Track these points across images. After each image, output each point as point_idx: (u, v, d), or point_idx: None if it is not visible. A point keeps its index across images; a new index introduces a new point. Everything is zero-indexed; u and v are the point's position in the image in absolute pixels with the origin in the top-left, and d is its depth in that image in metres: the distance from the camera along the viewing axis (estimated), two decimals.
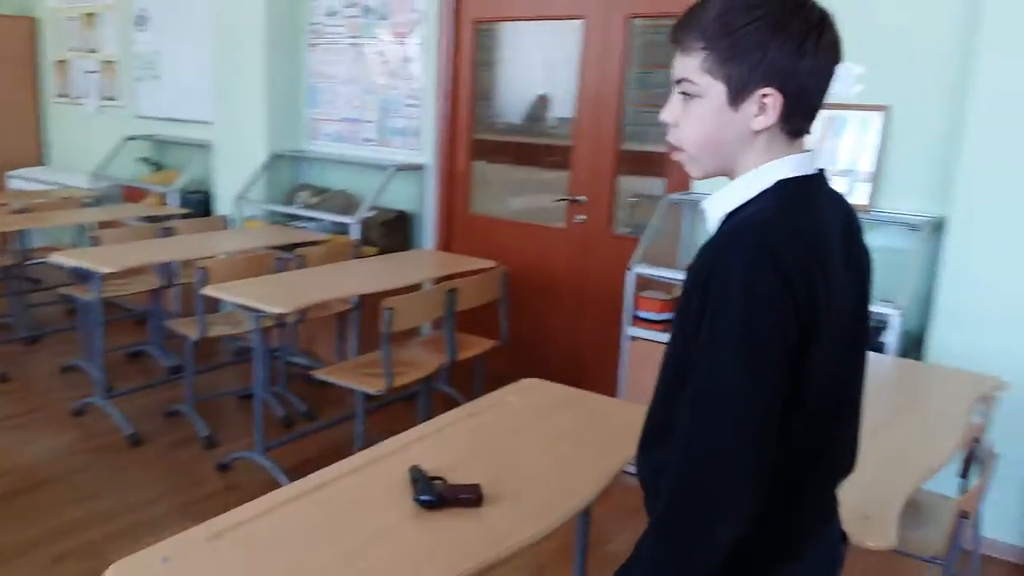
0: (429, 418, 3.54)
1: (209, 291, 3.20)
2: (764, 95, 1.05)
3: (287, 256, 3.82)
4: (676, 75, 1.12)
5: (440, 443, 1.88)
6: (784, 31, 1.03)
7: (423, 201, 4.62)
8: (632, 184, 4.00)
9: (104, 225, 4.61)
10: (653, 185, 3.90)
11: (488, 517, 1.54)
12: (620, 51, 3.87)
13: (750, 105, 1.06)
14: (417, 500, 1.54)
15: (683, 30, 1.10)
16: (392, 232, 4.57)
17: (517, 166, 4.50)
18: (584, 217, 4.09)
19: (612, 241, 4.01)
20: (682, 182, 3.67)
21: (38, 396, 4.10)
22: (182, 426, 3.77)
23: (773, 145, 1.09)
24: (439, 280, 3.61)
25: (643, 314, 3.34)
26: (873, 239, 3.10)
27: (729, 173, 1.13)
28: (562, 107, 4.21)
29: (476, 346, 3.53)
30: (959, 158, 2.81)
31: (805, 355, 1.01)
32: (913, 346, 2.98)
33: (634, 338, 3.35)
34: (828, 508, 1.22)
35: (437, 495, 1.55)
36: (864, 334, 1.20)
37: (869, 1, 3.09)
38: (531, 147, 4.40)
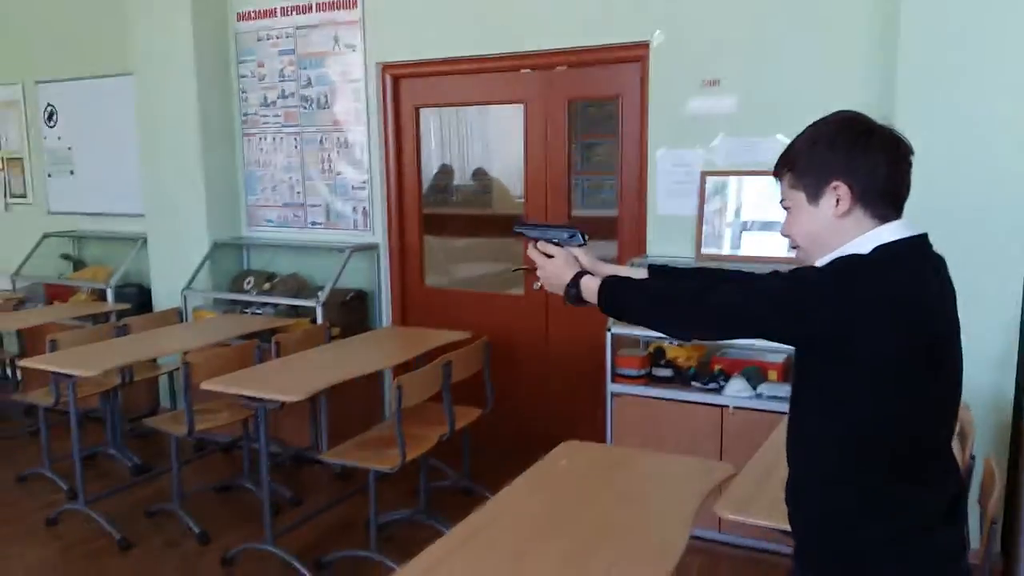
0: (429, 490, 3.75)
1: (210, 385, 3.23)
2: (835, 189, 1.39)
3: (265, 344, 3.88)
4: (779, 197, 1.50)
5: (522, 517, 2.05)
6: (833, 141, 1.41)
7: (378, 278, 4.77)
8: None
9: (48, 328, 4.48)
10: (607, 248, 4.24)
11: None
12: (563, 129, 4.22)
13: (827, 199, 1.40)
14: None
15: (778, 165, 1.49)
16: (351, 311, 4.68)
17: (470, 238, 4.75)
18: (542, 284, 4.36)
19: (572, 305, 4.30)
20: (635, 245, 4.03)
21: (3, 508, 3.92)
22: (168, 525, 3.72)
23: (859, 224, 1.40)
24: (424, 355, 3.78)
25: (624, 371, 3.63)
26: None
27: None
28: (511, 180, 4.51)
29: (465, 416, 3.70)
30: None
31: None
32: None
33: (616, 394, 3.62)
34: None
35: None
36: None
37: (791, 76, 3.57)
38: (482, 218, 4.67)
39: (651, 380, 3.64)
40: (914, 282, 1.34)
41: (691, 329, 1.57)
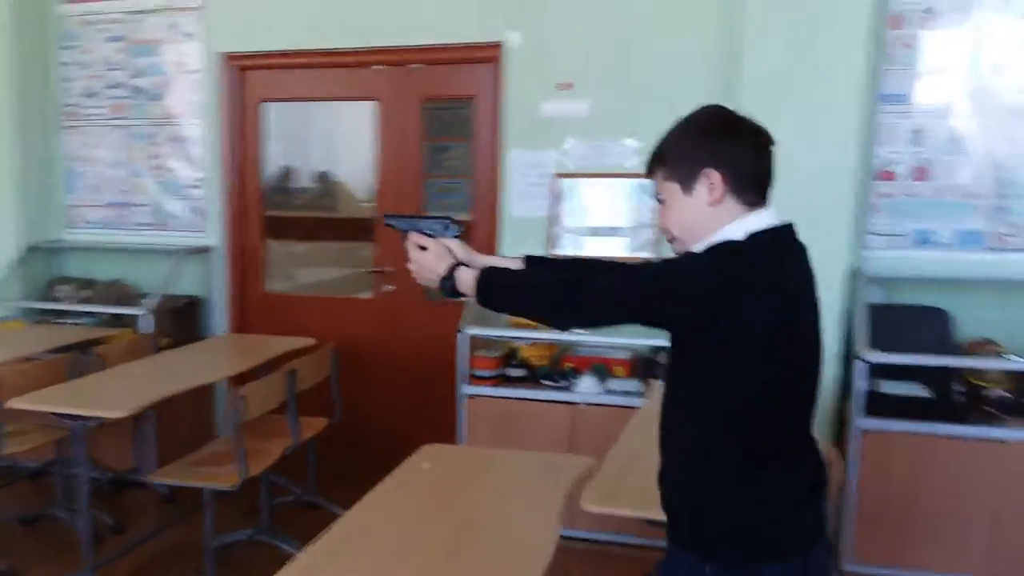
0: (272, 507, 3.48)
1: (18, 403, 2.85)
2: (708, 177, 1.40)
3: (85, 357, 3.49)
4: (653, 193, 1.51)
5: (390, 520, 1.92)
6: (703, 132, 1.44)
7: (212, 284, 4.45)
8: None
9: None
10: None
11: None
12: (417, 129, 4.11)
13: (700, 188, 1.41)
14: None
15: (649, 164, 1.50)
16: (183, 320, 4.33)
17: (315, 242, 4.52)
18: (392, 287, 4.22)
19: (424, 307, 4.18)
20: (488, 248, 3.97)
21: None
22: None
23: (731, 212, 1.41)
24: (265, 364, 3.53)
25: (478, 372, 3.54)
26: None
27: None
28: (358, 181, 4.34)
29: (312, 427, 3.48)
30: None
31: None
32: None
33: (470, 396, 3.53)
34: None
35: None
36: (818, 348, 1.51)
37: (642, 81, 3.64)
38: (328, 221, 4.46)
39: (505, 380, 3.58)
40: (781, 268, 1.38)
41: (575, 317, 1.49)
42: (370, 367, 4.24)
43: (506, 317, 3.88)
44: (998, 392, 2.99)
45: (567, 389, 3.45)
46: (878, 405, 3.05)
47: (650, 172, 1.50)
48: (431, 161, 4.15)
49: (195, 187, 4.41)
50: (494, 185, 3.94)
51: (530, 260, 1.73)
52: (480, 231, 4.04)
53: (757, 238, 1.38)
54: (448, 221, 1.72)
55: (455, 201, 4.21)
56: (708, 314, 1.30)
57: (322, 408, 3.56)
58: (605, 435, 3.33)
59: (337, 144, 4.64)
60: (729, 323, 1.30)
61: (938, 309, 3.31)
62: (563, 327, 1.52)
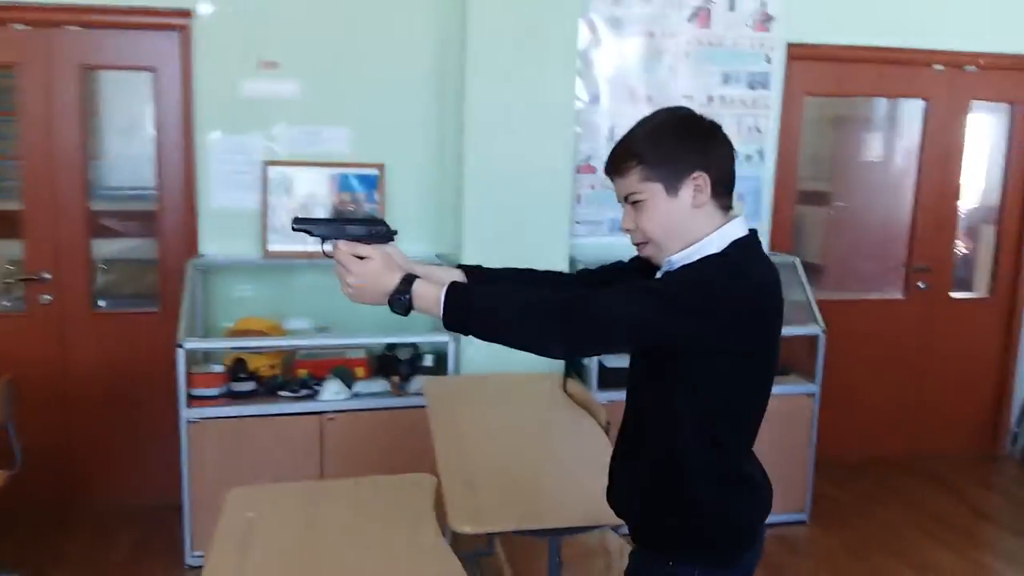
0: None
1: None
2: (695, 179, 1.39)
3: None
4: (623, 192, 1.44)
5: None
6: (688, 133, 1.42)
7: None
8: (107, 248, 3.57)
9: None
10: (148, 247, 3.56)
11: None
12: (76, 101, 3.39)
13: (685, 190, 1.40)
14: None
15: (615, 162, 1.44)
16: None
17: None
18: (50, 297, 3.46)
19: (95, 319, 3.50)
20: (184, 243, 3.47)
21: None
22: None
23: (713, 216, 1.42)
24: None
25: (200, 392, 3.09)
26: None
27: (688, 247, 1.42)
28: None
29: None
30: (463, 208, 3.40)
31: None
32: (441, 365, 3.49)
33: (192, 421, 3.07)
34: None
35: None
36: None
37: (357, 65, 3.47)
38: None
39: (233, 397, 3.18)
40: (772, 274, 1.42)
41: (571, 343, 1.38)
42: (48, 401, 3.45)
43: (215, 323, 3.47)
44: None
45: (311, 398, 3.19)
46: (605, 377, 3.38)
47: (618, 171, 1.43)
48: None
49: None
50: (188, 171, 3.45)
51: (467, 270, 1.57)
52: (172, 224, 3.51)
53: (742, 247, 1.41)
54: (380, 223, 1.47)
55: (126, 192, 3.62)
56: (726, 326, 1.32)
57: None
58: (357, 444, 3.19)
59: None
60: (742, 334, 1.34)
61: None
62: (550, 354, 1.41)
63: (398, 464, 3.18)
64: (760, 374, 1.43)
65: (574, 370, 3.57)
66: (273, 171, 3.47)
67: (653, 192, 1.41)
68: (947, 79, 4.14)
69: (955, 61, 4.11)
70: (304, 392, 3.22)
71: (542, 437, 2.57)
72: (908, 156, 4.29)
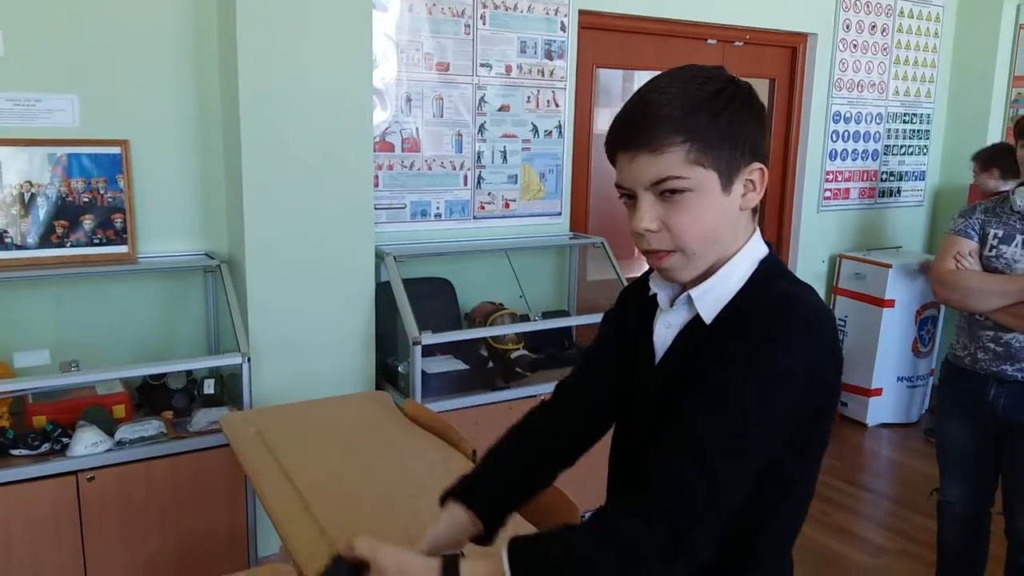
0: None
1: None
2: (751, 172, 1.03)
3: None
4: (651, 177, 1.00)
5: None
6: (750, 107, 1.03)
7: None
8: None
9: None
10: None
11: None
12: None
13: (738, 186, 1.03)
14: None
15: (645, 130, 0.99)
16: None
17: None
18: None
19: None
20: None
21: None
22: None
23: (749, 223, 1.08)
24: None
25: None
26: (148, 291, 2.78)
27: (718, 264, 1.06)
28: None
29: None
30: (242, 203, 2.74)
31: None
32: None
33: None
34: None
35: None
36: None
37: (84, 15, 2.66)
38: None
39: None
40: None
41: (699, 557, 0.92)
42: None
43: None
44: (519, 352, 3.19)
45: (58, 454, 2.40)
46: (427, 386, 2.96)
47: (650, 145, 0.98)
48: None
49: None
50: None
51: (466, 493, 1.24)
52: None
53: (773, 264, 1.08)
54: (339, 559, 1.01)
55: None
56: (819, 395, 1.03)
57: None
58: (135, 506, 2.49)
59: None
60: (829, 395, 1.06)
61: (443, 279, 3.36)
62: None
63: (194, 524, 2.55)
64: (820, 449, 1.09)
65: (387, 380, 3.13)
66: None
67: (704, 182, 0.99)
68: (719, 54, 4.21)
69: (725, 36, 4.18)
70: (46, 447, 2.41)
71: (391, 463, 2.10)
72: None
